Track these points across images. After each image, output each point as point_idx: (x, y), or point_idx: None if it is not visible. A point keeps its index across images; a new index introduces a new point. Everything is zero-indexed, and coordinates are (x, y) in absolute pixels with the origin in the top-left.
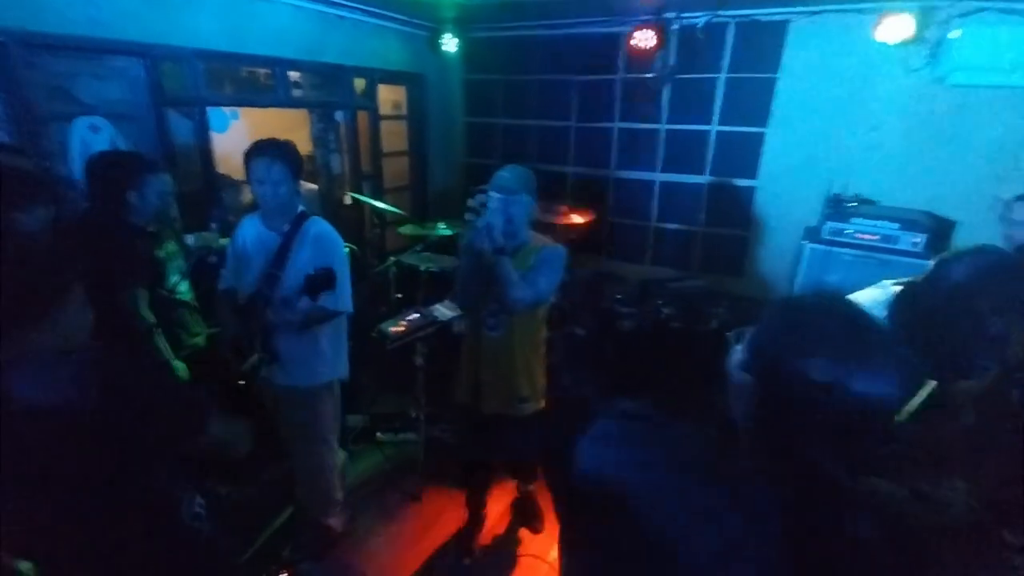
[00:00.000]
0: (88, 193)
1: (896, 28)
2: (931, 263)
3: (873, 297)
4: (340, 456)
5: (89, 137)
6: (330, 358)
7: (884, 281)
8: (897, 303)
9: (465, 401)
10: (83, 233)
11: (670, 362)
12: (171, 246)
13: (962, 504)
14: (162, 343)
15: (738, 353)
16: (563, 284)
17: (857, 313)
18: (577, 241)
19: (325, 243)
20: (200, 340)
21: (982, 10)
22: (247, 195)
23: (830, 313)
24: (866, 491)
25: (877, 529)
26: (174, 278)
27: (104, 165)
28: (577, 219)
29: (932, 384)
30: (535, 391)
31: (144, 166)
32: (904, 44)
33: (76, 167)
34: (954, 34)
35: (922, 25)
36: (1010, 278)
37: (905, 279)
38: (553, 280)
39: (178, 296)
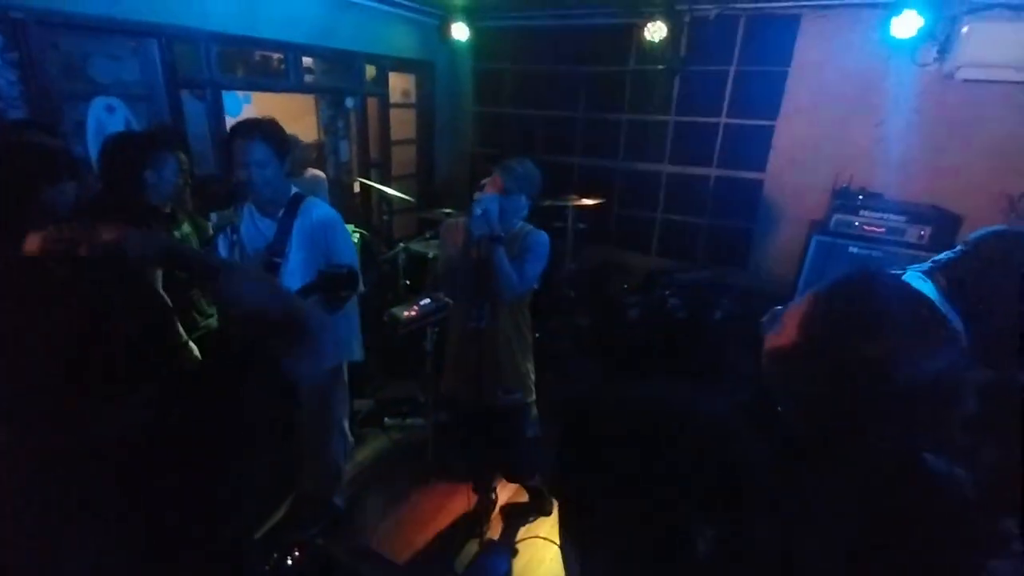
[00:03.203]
0: (103, 173)
1: (907, 23)
2: (961, 245)
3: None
4: (349, 441)
5: (105, 117)
6: (340, 342)
7: (910, 269)
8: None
9: (451, 391)
10: (100, 213)
11: (676, 351)
12: (186, 227)
13: (963, 491)
14: (178, 325)
15: (774, 336)
16: (569, 273)
17: (915, 294)
18: (584, 231)
19: (328, 227)
20: (213, 321)
21: (992, 7)
22: None
23: (890, 294)
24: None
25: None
26: None
27: (121, 145)
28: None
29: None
30: (521, 381)
31: (160, 145)
32: (914, 39)
33: (92, 147)
34: (964, 30)
35: (932, 20)
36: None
37: (928, 263)
38: (538, 267)
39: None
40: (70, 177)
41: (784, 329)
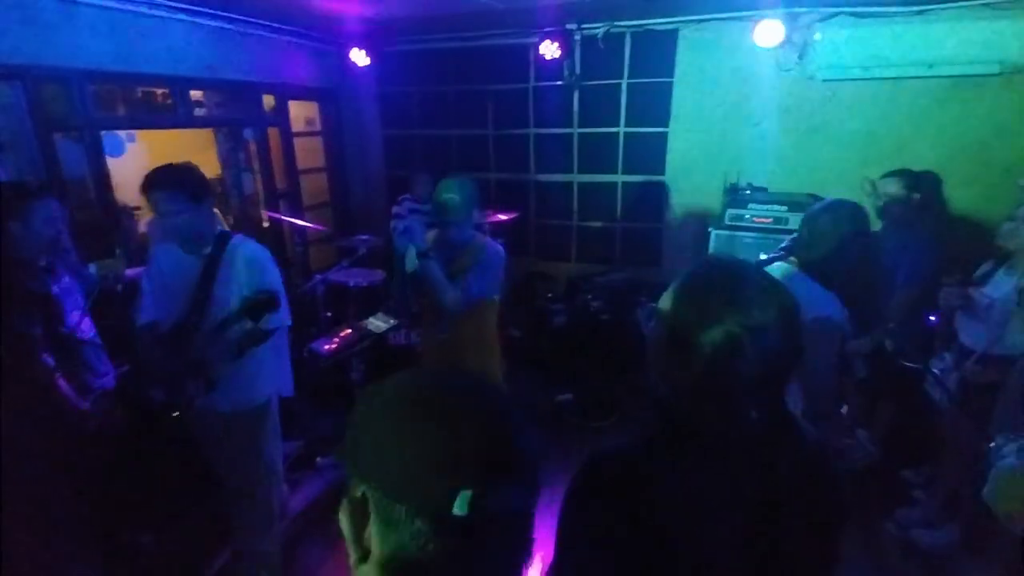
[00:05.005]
0: None
1: (769, 33)
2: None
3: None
4: (282, 486)
5: None
6: (268, 376)
7: (760, 255)
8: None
9: None
10: None
11: (603, 352)
12: (67, 280)
13: (866, 451)
14: (65, 387)
15: (651, 326)
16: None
17: (747, 266)
18: (505, 244)
19: (257, 263)
20: (108, 380)
21: (837, 14)
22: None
23: (726, 272)
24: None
25: (803, 468)
26: (73, 315)
27: None
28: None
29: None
30: None
31: (26, 193)
32: (777, 47)
33: None
34: (817, 36)
35: (790, 29)
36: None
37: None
38: (488, 280)
39: (79, 334)
40: None
41: (656, 321)
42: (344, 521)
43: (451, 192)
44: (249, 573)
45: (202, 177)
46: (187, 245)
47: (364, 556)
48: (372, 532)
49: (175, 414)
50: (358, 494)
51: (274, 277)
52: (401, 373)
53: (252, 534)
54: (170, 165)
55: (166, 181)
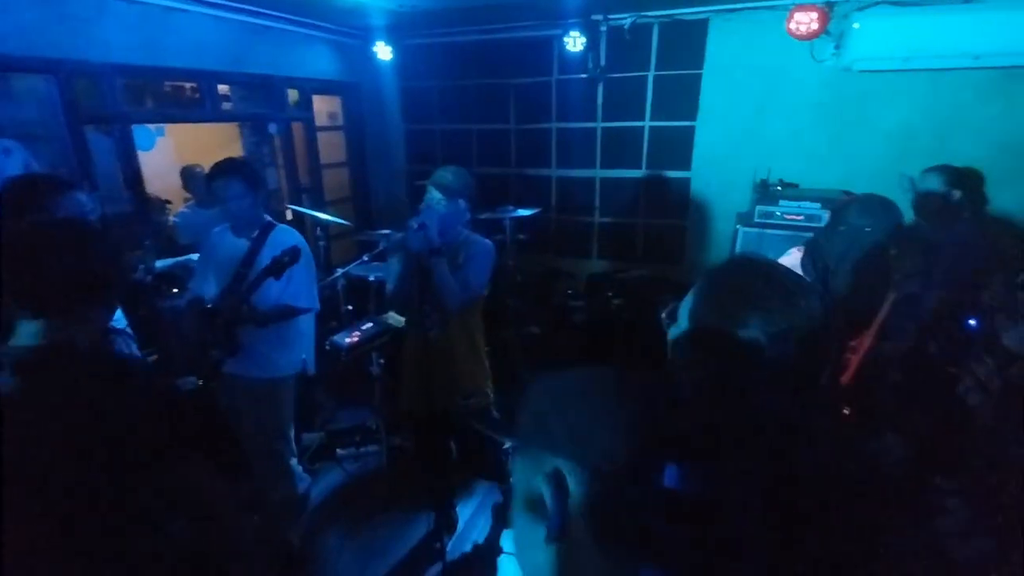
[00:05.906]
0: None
1: (804, 22)
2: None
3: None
4: (303, 476)
5: (1, 161)
6: (292, 351)
7: (790, 249)
8: (805, 256)
9: (412, 404)
10: None
11: (624, 350)
12: None
13: (896, 456)
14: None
15: (675, 328)
16: (514, 284)
17: (776, 269)
18: (524, 241)
19: (291, 241)
20: None
21: (877, 3)
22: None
23: (752, 275)
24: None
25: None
26: None
27: (16, 189)
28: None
29: None
30: (478, 385)
31: (60, 186)
32: (812, 37)
33: None
34: (855, 26)
35: (827, 19)
36: (912, 236)
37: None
38: (483, 275)
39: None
40: None
41: (679, 320)
42: (546, 494)
43: (446, 172)
44: (272, 563)
45: (257, 171)
46: (238, 229)
47: (563, 529)
48: (572, 504)
49: (200, 382)
50: (549, 469)
51: (306, 259)
52: (582, 368)
53: (273, 508)
54: (232, 158)
55: (229, 169)
